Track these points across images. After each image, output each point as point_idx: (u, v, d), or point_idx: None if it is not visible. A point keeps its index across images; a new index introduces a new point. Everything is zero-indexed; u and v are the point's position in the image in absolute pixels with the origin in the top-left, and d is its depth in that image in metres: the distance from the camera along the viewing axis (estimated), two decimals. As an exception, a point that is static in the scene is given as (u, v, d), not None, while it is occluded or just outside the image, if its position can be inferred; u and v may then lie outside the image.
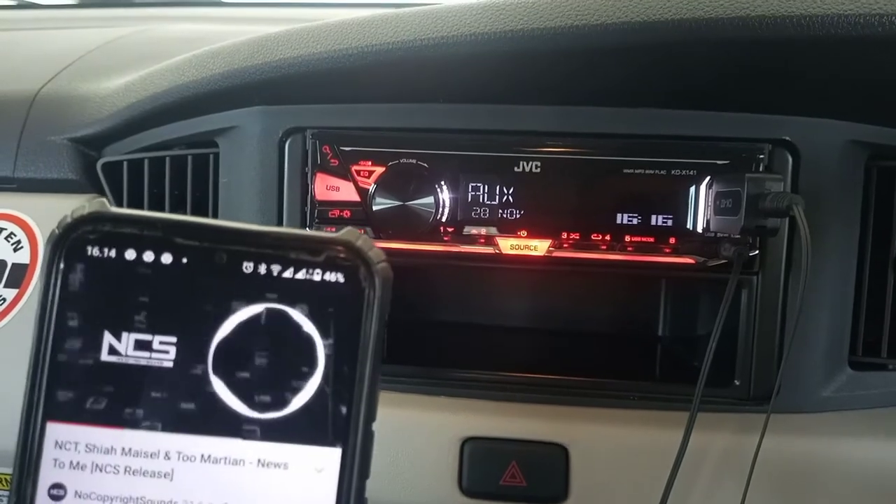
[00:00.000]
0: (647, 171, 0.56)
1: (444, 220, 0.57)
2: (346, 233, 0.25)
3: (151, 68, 0.66)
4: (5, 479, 0.65)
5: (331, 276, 0.24)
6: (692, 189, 0.56)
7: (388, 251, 0.57)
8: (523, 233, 0.57)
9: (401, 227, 0.57)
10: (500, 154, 0.57)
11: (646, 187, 0.56)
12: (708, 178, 0.55)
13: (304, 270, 0.24)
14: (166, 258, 0.24)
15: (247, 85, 0.57)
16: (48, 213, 0.67)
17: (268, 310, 0.24)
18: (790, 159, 0.55)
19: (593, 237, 0.57)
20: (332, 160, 0.58)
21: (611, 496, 0.56)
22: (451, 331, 0.75)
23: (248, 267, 0.24)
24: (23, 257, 0.65)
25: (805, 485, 0.55)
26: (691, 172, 0.55)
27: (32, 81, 0.74)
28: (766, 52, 0.48)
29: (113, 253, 0.24)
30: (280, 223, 0.60)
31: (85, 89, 0.72)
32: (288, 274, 0.24)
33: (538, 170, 0.57)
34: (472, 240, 0.58)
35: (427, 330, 0.75)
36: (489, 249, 0.57)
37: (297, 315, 0.24)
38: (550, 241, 0.57)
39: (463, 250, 0.58)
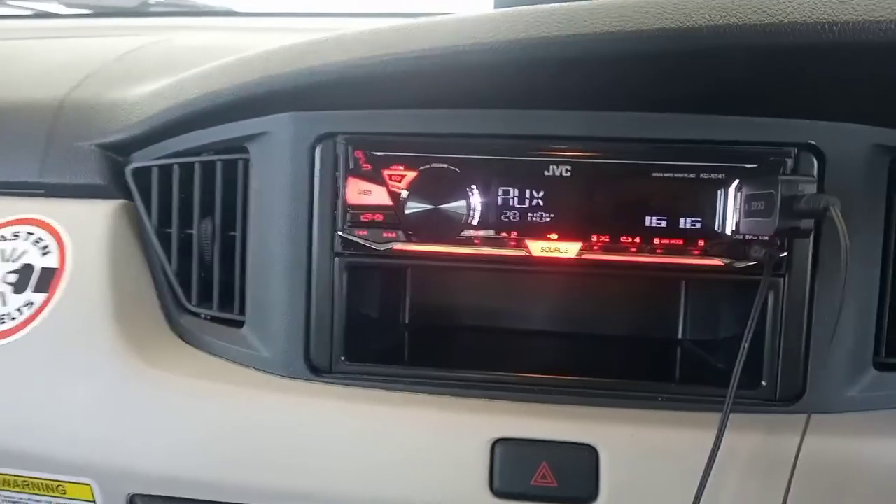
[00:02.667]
0: (675, 175, 0.57)
1: (475, 223, 0.58)
2: None
3: (182, 75, 0.67)
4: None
5: None
6: (720, 192, 0.57)
7: (420, 254, 0.59)
8: (553, 236, 0.58)
9: (433, 230, 0.58)
10: (531, 158, 0.58)
11: (674, 190, 0.57)
12: (736, 181, 0.56)
13: None
14: None
15: (281, 91, 0.58)
16: (76, 218, 0.67)
17: None
18: (815, 163, 0.56)
19: (623, 240, 0.58)
20: (365, 165, 0.59)
21: (641, 496, 0.57)
22: (477, 334, 0.76)
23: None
24: (51, 262, 0.66)
25: (833, 485, 0.56)
26: (720, 176, 0.56)
27: (57, 88, 0.74)
28: (796, 57, 0.49)
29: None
30: (310, 226, 0.61)
31: (112, 96, 0.72)
32: None
33: (568, 174, 0.58)
34: (502, 243, 0.58)
35: (455, 333, 0.76)
36: (520, 252, 0.58)
37: None
38: (581, 243, 0.58)
39: (494, 253, 0.58)
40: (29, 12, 1.31)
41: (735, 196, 0.56)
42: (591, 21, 0.49)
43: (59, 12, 1.33)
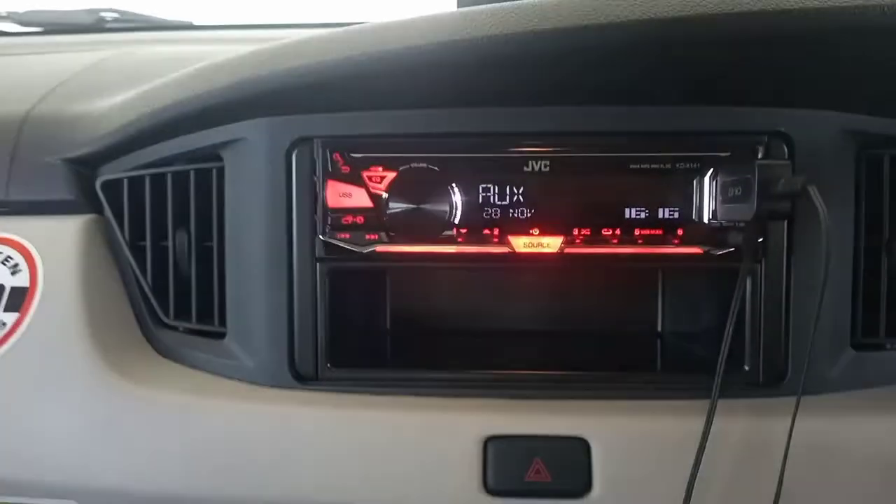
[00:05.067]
0: (651, 166, 0.58)
1: (457, 221, 0.58)
2: None
3: (151, 84, 0.65)
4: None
5: None
6: (696, 181, 0.58)
7: (403, 255, 0.59)
8: (535, 231, 0.58)
9: (415, 230, 0.58)
10: (509, 155, 0.58)
11: (651, 182, 0.58)
12: (711, 169, 0.57)
13: None
14: None
15: (254, 95, 0.58)
16: (45, 235, 0.65)
17: None
18: (786, 149, 0.58)
19: (603, 232, 0.58)
20: (344, 167, 0.59)
21: (634, 485, 0.57)
22: (462, 335, 0.76)
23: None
24: (22, 280, 0.64)
25: (821, 463, 0.56)
26: (695, 165, 0.57)
27: (19, 104, 0.72)
28: (764, 46, 0.50)
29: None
30: (290, 232, 0.60)
31: (77, 109, 0.71)
32: None
33: (547, 169, 0.58)
34: (485, 240, 0.58)
35: (439, 335, 0.75)
36: (503, 249, 0.58)
37: None
38: (563, 237, 0.58)
39: (477, 251, 0.59)
40: (-23, 31, 1.28)
41: (711, 184, 0.57)
42: (561, 15, 0.49)
43: (12, 30, 1.30)
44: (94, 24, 1.27)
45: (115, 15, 1.30)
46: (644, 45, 0.50)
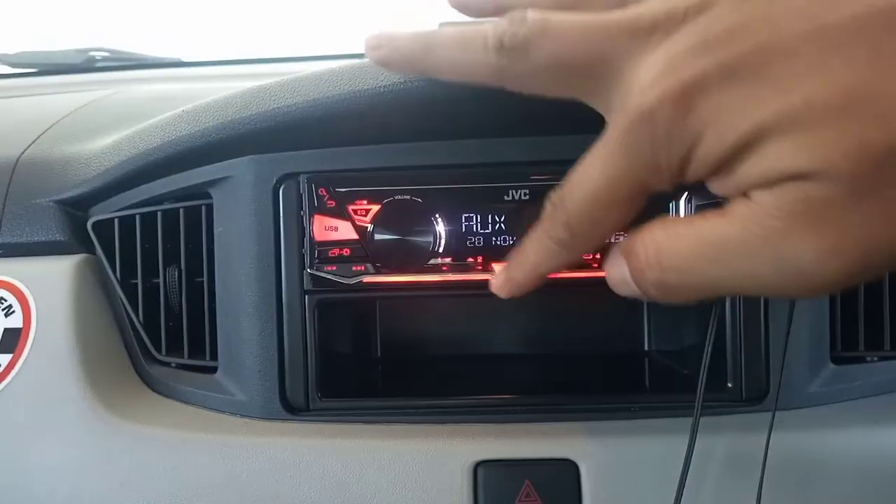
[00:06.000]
0: (628, 192, 0.59)
1: (441, 251, 0.60)
2: None
3: (138, 126, 0.67)
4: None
5: None
6: (671, 204, 0.59)
7: (389, 285, 0.60)
8: (518, 258, 0.59)
9: (400, 260, 0.59)
10: (490, 185, 0.60)
11: (629, 206, 0.59)
12: (686, 193, 0.59)
13: None
14: None
15: (241, 135, 0.59)
16: (38, 275, 0.67)
17: None
18: None
19: (585, 257, 0.59)
20: (329, 202, 0.60)
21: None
22: (450, 362, 0.77)
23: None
24: (15, 322, 0.65)
25: (802, 477, 0.57)
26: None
27: (10, 148, 0.74)
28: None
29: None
30: (278, 266, 0.62)
31: (68, 151, 0.72)
32: None
33: (527, 197, 0.59)
34: (469, 268, 0.60)
35: (428, 363, 0.76)
36: (487, 276, 0.59)
37: None
38: (544, 263, 0.59)
39: (462, 278, 0.60)
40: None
41: (686, 207, 0.59)
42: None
43: (2, 72, 1.32)
44: (84, 64, 1.30)
45: (105, 54, 1.32)
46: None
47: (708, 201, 0.56)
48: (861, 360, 0.63)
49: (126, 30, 1.67)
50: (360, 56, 0.59)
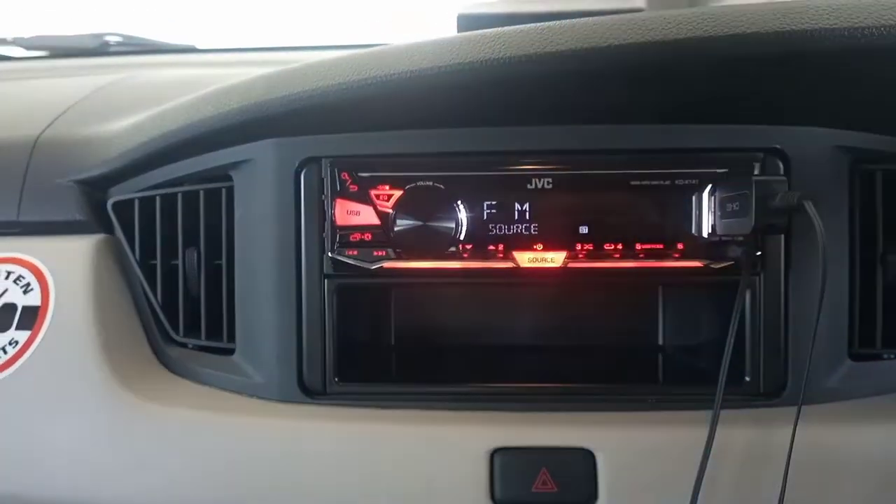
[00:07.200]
0: (651, 183, 0.59)
1: (462, 238, 0.60)
2: None
3: (161, 107, 0.67)
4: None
5: None
6: (695, 197, 0.59)
7: (410, 271, 0.60)
8: (539, 246, 0.60)
9: (422, 246, 0.59)
10: (513, 173, 0.60)
11: (651, 198, 0.60)
12: (710, 185, 0.59)
13: None
14: None
15: (263, 118, 0.59)
16: (57, 254, 0.67)
17: None
18: (781, 165, 0.60)
19: (605, 247, 0.60)
20: (352, 186, 0.60)
21: (638, 495, 0.58)
22: (467, 350, 0.77)
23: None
24: (34, 300, 0.65)
25: (823, 472, 0.57)
26: (693, 182, 0.59)
27: (30, 128, 0.74)
28: (758, 66, 0.52)
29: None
30: (298, 250, 0.62)
31: (87, 132, 0.73)
32: None
33: (550, 186, 0.60)
34: (490, 255, 0.60)
35: (445, 351, 0.76)
36: (508, 264, 0.60)
37: None
38: (566, 252, 0.59)
39: (483, 266, 0.60)
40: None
41: (709, 200, 0.59)
42: (564, 39, 0.51)
43: (18, 55, 1.32)
44: (99, 48, 1.30)
45: (119, 39, 1.32)
46: (639, 68, 0.52)
47: (732, 194, 0.56)
48: (878, 357, 0.63)
49: (139, 16, 1.67)
50: (372, 46, 0.59)
